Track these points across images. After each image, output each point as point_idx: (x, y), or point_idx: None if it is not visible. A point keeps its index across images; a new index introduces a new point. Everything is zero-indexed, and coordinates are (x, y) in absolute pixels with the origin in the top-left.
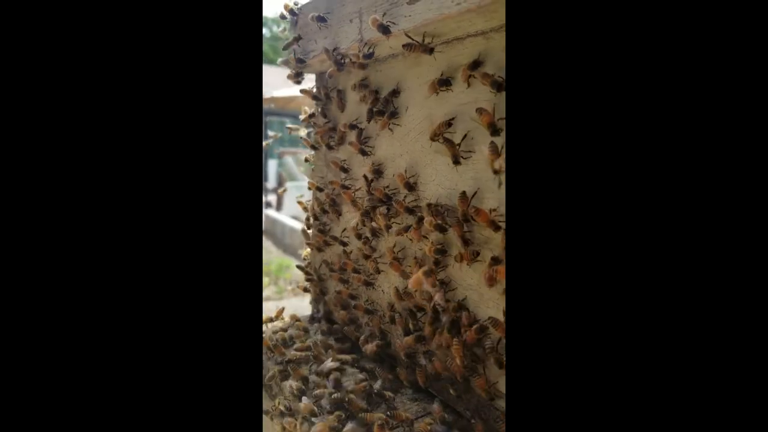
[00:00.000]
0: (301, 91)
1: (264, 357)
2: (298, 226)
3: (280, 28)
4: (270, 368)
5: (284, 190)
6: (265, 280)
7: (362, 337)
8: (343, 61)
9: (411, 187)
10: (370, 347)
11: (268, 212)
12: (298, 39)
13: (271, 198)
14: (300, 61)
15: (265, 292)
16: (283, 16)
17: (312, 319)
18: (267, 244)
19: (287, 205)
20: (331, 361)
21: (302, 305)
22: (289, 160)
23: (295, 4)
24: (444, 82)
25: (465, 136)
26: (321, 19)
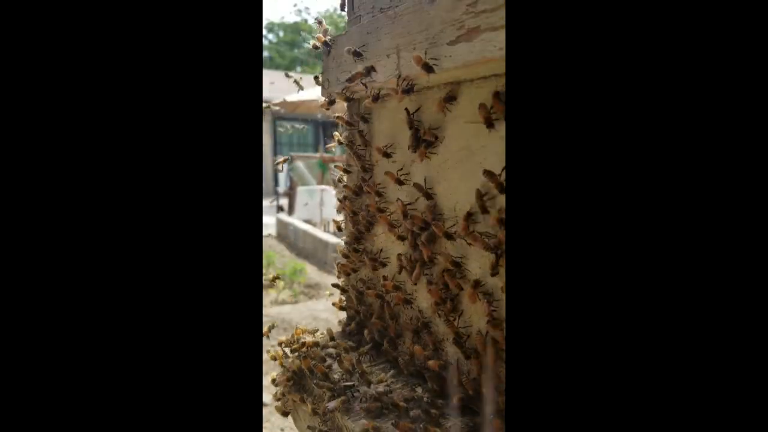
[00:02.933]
0: (336, 117)
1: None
2: (311, 229)
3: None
4: (322, 394)
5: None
6: (280, 283)
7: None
8: (379, 93)
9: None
10: (432, 363)
11: (281, 216)
12: (370, 70)
13: (283, 202)
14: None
15: (280, 296)
16: (315, 47)
17: (348, 335)
18: (280, 248)
19: (298, 210)
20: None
21: (317, 308)
22: (299, 164)
23: (326, 33)
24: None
25: (504, 168)
26: (357, 54)
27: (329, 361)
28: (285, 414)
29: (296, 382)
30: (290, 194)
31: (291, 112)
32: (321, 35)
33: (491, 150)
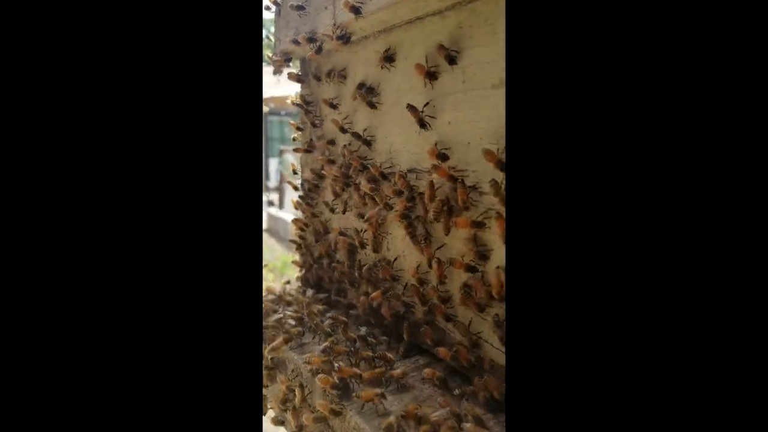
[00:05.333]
0: (288, 75)
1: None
2: None
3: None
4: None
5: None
6: (270, 276)
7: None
8: (321, 45)
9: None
10: (374, 295)
11: (271, 210)
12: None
13: (273, 197)
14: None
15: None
16: (267, 7)
17: (304, 285)
18: (271, 242)
19: (288, 204)
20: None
21: None
22: (289, 157)
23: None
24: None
25: (427, 103)
26: (300, 8)
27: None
28: None
29: None
30: (280, 189)
31: (280, 107)
32: None
33: (418, 91)
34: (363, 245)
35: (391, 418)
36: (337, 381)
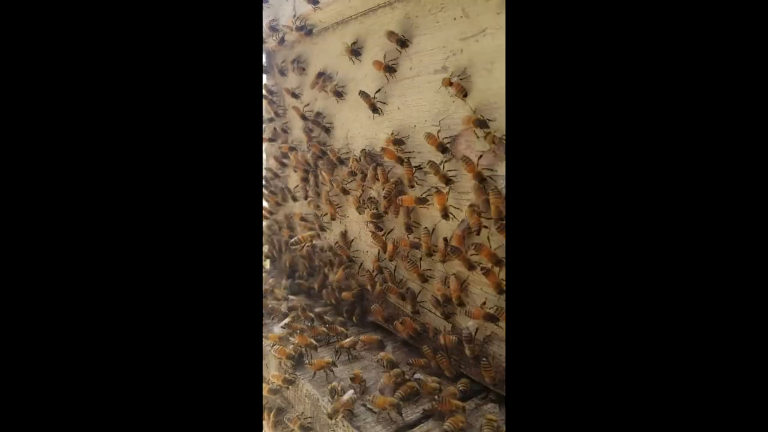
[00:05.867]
0: None
1: None
2: None
3: None
4: None
5: None
6: None
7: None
8: (283, 36)
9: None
10: (336, 275)
11: None
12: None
13: None
14: None
15: None
16: None
17: (270, 273)
18: None
19: None
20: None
21: None
22: None
23: None
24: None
25: (378, 90)
26: (264, 0)
27: None
28: None
29: None
30: None
31: None
32: None
33: (372, 78)
34: (323, 228)
35: (334, 383)
36: (292, 352)
